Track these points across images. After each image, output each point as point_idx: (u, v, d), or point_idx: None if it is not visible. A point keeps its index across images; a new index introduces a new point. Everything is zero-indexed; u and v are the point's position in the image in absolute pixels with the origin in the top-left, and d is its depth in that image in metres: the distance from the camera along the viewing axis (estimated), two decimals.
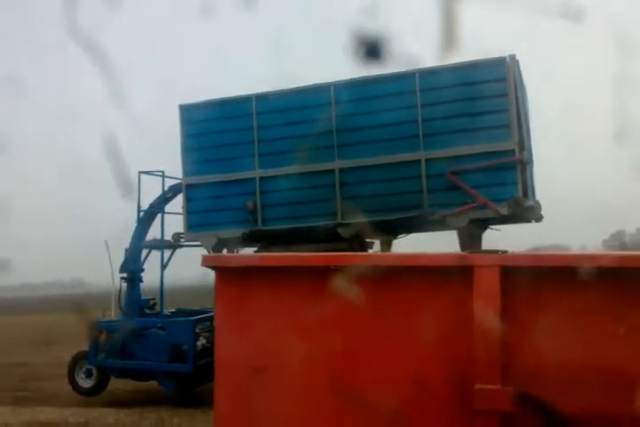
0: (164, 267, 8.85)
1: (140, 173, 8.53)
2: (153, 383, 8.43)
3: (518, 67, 7.53)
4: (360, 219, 7.59)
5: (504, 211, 7.11)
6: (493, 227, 7.95)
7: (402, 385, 2.77)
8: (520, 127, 7.34)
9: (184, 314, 8.99)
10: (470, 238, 7.46)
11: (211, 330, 8.23)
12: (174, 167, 8.82)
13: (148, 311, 8.85)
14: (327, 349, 2.85)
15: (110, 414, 7.57)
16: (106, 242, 8.96)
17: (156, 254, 8.80)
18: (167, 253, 8.96)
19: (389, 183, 7.59)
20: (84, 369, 8.68)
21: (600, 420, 2.52)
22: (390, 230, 7.84)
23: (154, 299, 9.05)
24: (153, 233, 8.91)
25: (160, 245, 8.82)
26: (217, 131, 8.45)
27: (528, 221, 7.88)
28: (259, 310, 2.98)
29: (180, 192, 8.82)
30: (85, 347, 8.60)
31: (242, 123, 8.31)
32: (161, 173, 8.94)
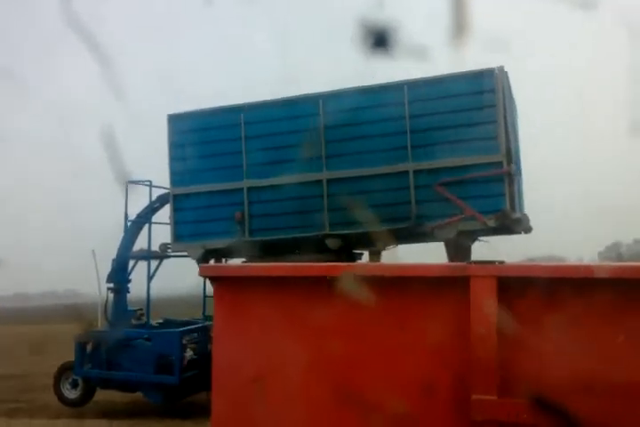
0: (150, 278, 8.80)
1: (127, 182, 8.48)
2: None
3: (507, 78, 7.51)
4: (348, 230, 7.57)
5: (491, 223, 7.09)
6: (482, 239, 7.91)
7: (398, 394, 2.77)
8: (508, 139, 7.32)
9: (171, 325, 8.94)
10: (459, 250, 7.43)
11: (197, 342, 8.18)
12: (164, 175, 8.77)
13: (134, 322, 8.81)
14: (325, 357, 2.89)
15: (102, 426, 7.59)
16: (93, 251, 8.90)
17: (143, 265, 8.76)
18: (154, 263, 8.91)
19: (377, 194, 7.53)
20: (69, 380, 8.68)
21: None
22: (378, 242, 7.79)
23: (141, 309, 9.01)
24: (140, 243, 8.88)
25: (147, 255, 8.78)
26: (205, 141, 8.39)
27: (517, 232, 7.84)
28: (257, 318, 3.03)
29: (167, 202, 8.78)
30: None
31: (230, 133, 8.27)
32: (148, 183, 8.91)
